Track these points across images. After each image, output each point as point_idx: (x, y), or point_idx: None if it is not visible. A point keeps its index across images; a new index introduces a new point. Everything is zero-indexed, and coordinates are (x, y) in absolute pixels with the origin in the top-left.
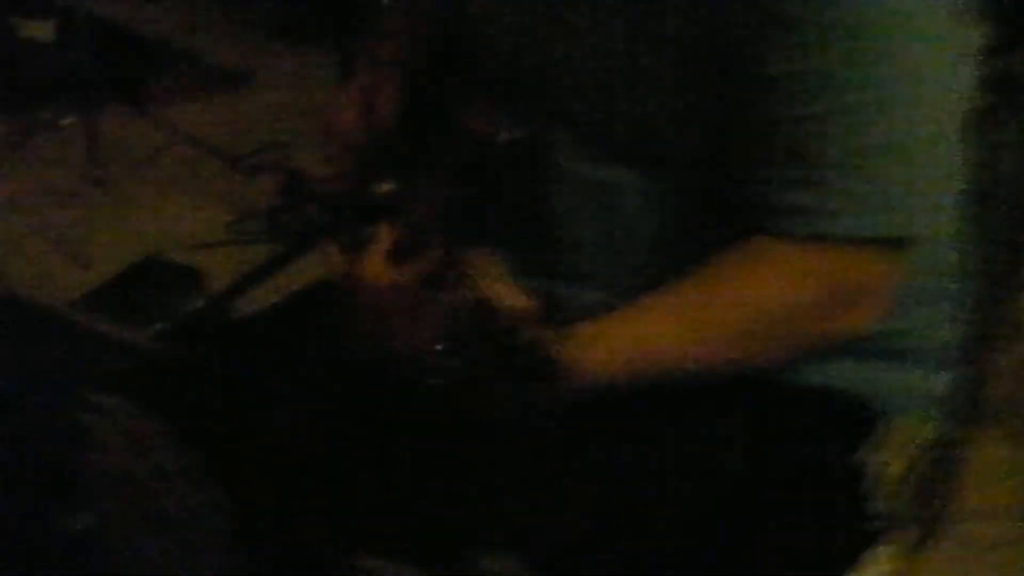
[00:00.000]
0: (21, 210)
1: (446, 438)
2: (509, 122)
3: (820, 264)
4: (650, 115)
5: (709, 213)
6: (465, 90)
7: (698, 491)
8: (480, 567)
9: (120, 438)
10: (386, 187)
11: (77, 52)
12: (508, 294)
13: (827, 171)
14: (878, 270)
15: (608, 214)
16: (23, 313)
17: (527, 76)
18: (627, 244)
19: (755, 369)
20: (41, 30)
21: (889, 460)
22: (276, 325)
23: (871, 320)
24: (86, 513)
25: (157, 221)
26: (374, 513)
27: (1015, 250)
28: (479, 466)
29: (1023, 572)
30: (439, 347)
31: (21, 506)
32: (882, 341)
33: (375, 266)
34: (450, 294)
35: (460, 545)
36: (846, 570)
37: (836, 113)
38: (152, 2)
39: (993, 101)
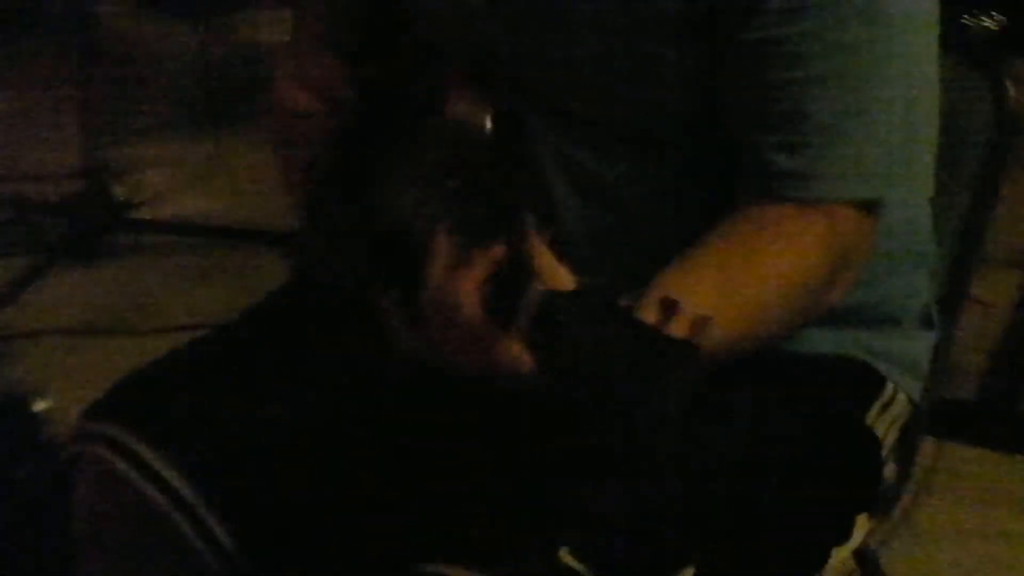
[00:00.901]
0: None
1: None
2: (492, 109)
3: (818, 227)
4: (644, 93)
5: (700, 192)
6: (424, 69)
7: (710, 461)
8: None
9: (124, 466)
10: None
11: None
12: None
13: (817, 135)
14: (864, 233)
15: (599, 199)
16: None
17: (501, 57)
18: (619, 229)
19: (773, 340)
20: None
21: (883, 425)
22: (264, 334)
23: (853, 283)
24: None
25: None
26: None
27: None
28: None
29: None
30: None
31: None
32: (867, 307)
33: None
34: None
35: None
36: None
37: (826, 77)
38: None
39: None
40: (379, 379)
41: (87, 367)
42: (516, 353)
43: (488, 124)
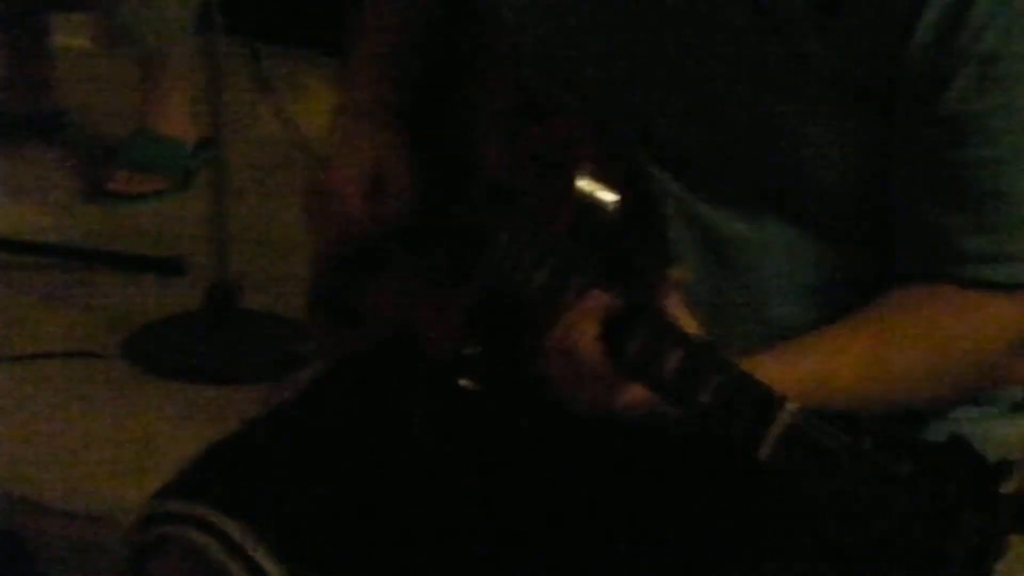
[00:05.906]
0: None
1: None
2: (620, 188)
3: (1003, 310)
4: (800, 160)
5: (833, 260)
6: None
7: None
8: None
9: (216, 546)
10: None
11: None
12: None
13: (1012, 216)
14: None
15: (724, 258)
16: None
17: (622, 105)
18: (743, 290)
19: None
20: None
21: None
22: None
23: None
24: None
25: None
26: None
27: None
28: None
29: None
30: None
31: None
32: None
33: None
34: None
35: None
36: None
37: (1019, 154)
38: None
39: None
40: (467, 446)
41: None
42: (635, 394)
43: (613, 207)
